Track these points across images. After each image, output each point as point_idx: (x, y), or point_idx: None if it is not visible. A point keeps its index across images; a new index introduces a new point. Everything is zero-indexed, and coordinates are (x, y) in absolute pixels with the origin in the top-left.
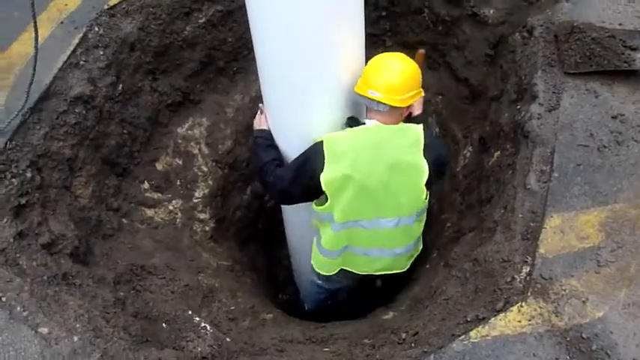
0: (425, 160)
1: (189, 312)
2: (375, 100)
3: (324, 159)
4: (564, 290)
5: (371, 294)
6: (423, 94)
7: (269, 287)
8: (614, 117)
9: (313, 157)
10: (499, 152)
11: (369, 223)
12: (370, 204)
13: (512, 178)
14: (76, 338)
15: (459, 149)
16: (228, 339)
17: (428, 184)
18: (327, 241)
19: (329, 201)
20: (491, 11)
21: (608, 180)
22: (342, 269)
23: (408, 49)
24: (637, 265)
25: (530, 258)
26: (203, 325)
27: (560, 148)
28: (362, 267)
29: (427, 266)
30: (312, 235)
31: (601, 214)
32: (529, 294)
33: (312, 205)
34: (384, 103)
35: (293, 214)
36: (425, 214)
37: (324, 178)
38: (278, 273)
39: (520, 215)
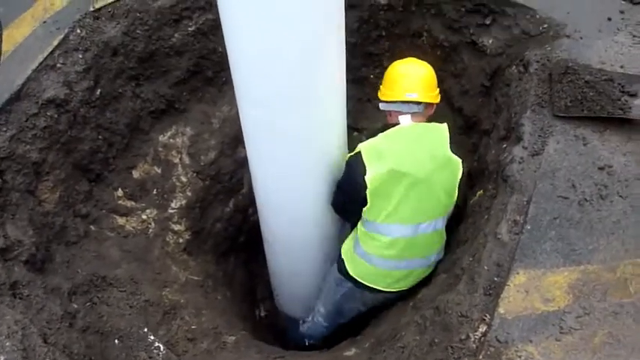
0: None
1: (145, 329)
2: (412, 102)
3: (364, 165)
4: (519, 357)
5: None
6: None
7: (245, 303)
8: (600, 168)
9: (354, 167)
10: (481, 192)
11: (411, 230)
12: (415, 203)
13: (486, 224)
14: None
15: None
16: None
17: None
18: (371, 248)
19: (372, 207)
20: (491, 41)
21: (584, 237)
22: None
23: None
24: (603, 335)
25: (488, 316)
26: (157, 344)
27: (538, 198)
28: (393, 285)
29: (399, 303)
30: (306, 265)
31: (571, 274)
32: (481, 357)
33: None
34: (421, 102)
35: (281, 249)
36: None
37: (369, 177)
38: (257, 288)
39: (485, 267)
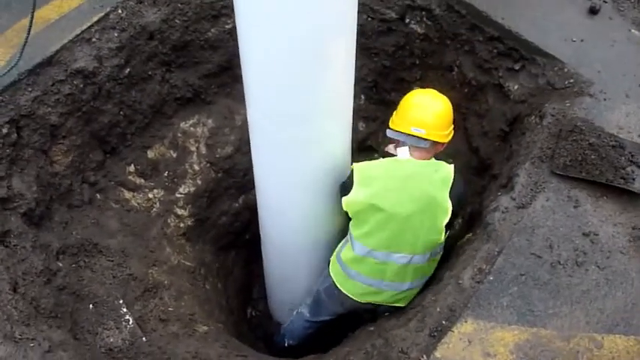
0: (450, 201)
1: (121, 301)
2: (417, 137)
3: (352, 184)
4: None
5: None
6: (453, 131)
7: (237, 300)
8: (585, 234)
9: (348, 183)
10: (470, 235)
11: (382, 255)
12: (390, 235)
13: (454, 267)
14: None
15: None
16: (144, 339)
17: (447, 225)
18: (348, 259)
19: (353, 219)
20: (516, 87)
21: (547, 300)
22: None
23: None
24: None
25: (424, 358)
26: (127, 317)
27: (509, 251)
28: (361, 296)
29: (371, 328)
30: (296, 268)
31: (521, 334)
32: None
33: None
34: (427, 139)
35: (276, 247)
36: (440, 255)
37: (345, 200)
38: (254, 288)
39: (438, 309)
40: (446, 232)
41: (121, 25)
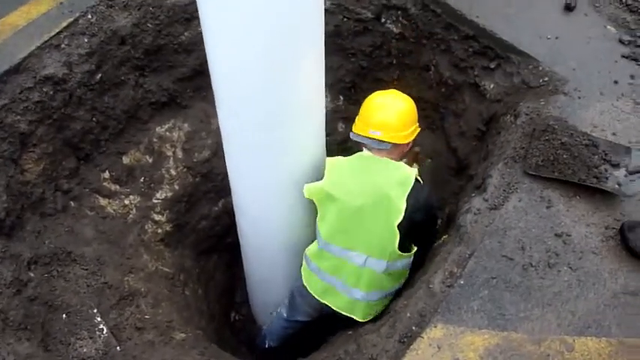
0: (405, 204)
1: (95, 310)
2: (376, 139)
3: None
4: None
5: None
6: (419, 129)
7: (219, 304)
8: (557, 235)
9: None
10: (446, 236)
11: (338, 250)
12: (345, 230)
13: (428, 269)
14: None
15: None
16: (118, 348)
17: (408, 234)
18: (311, 253)
19: (318, 211)
20: (492, 85)
21: (518, 303)
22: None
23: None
24: None
25: None
26: (101, 327)
27: (481, 254)
28: (321, 294)
29: (349, 332)
30: (275, 271)
31: (492, 339)
32: None
33: None
34: (386, 142)
35: (254, 250)
36: (400, 274)
37: (306, 186)
38: (237, 291)
39: (408, 314)
40: (409, 245)
41: (91, 31)
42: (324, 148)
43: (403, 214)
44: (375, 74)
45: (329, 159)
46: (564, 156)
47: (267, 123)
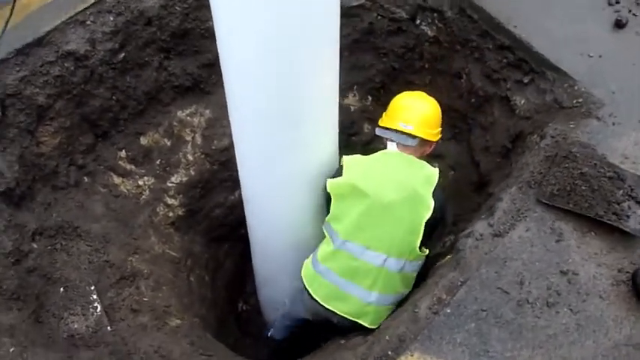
0: (432, 200)
1: (92, 287)
2: (405, 134)
3: (342, 172)
4: None
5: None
6: (441, 134)
7: (226, 292)
8: (563, 272)
9: (335, 176)
10: (449, 257)
11: (358, 249)
12: (367, 227)
13: (420, 290)
14: None
15: (443, 235)
16: (109, 328)
17: (424, 234)
18: (323, 254)
19: (333, 210)
20: (523, 101)
21: (506, 341)
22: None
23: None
24: None
25: None
26: (96, 305)
27: (474, 283)
28: (326, 299)
29: (342, 341)
30: (282, 267)
31: None
32: None
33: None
34: (416, 136)
35: (262, 246)
36: (411, 277)
37: (329, 181)
38: (248, 281)
39: (387, 337)
40: (425, 246)
41: (118, 9)
42: (337, 147)
43: (432, 210)
44: (406, 77)
45: (346, 157)
46: (582, 187)
47: (278, 123)
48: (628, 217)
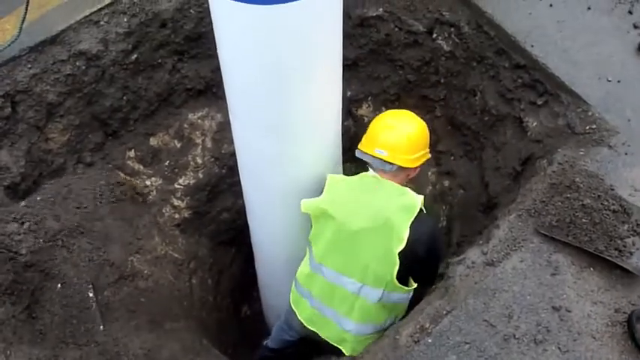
0: (408, 231)
1: (90, 286)
2: (381, 159)
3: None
4: None
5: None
6: (429, 155)
7: (230, 297)
8: (555, 308)
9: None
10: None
11: (332, 274)
12: (341, 252)
13: (405, 319)
14: None
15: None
16: (101, 327)
17: (410, 267)
18: (302, 276)
19: (312, 229)
20: (535, 123)
21: None
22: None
23: (455, 127)
24: None
25: None
26: (91, 302)
27: (460, 313)
28: (309, 322)
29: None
30: (281, 279)
31: None
32: None
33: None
34: (392, 163)
35: (263, 255)
36: (395, 307)
37: (303, 200)
38: (253, 286)
39: None
40: (408, 280)
41: (132, 11)
42: (336, 162)
43: (405, 242)
44: (421, 90)
45: (331, 176)
46: (583, 220)
47: (278, 134)
48: (631, 253)
